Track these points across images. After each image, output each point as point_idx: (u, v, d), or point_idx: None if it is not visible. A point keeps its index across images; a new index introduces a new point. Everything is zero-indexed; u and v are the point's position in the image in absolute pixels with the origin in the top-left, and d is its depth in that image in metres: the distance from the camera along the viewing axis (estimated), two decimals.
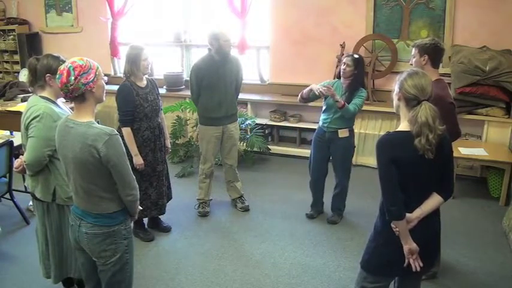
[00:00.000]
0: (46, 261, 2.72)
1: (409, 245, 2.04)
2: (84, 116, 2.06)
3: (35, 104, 2.48)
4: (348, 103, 3.58)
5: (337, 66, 3.66)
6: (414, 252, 2.04)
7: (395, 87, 2.09)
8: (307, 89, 3.66)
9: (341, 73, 3.66)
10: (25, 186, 4.41)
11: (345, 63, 3.61)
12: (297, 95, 3.85)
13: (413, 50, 2.87)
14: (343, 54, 4.91)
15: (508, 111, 4.65)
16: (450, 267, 3.28)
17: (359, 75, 3.63)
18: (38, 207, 2.63)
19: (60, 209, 2.58)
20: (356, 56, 3.67)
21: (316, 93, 3.58)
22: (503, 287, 3.09)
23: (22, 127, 2.53)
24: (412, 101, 2.00)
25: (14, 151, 3.81)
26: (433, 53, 2.80)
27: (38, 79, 2.51)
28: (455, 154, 4.01)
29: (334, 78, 3.73)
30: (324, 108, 3.76)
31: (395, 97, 2.11)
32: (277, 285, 3.13)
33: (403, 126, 2.04)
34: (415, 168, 2.00)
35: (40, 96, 2.52)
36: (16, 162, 2.61)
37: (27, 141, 2.47)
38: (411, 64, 2.88)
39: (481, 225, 3.93)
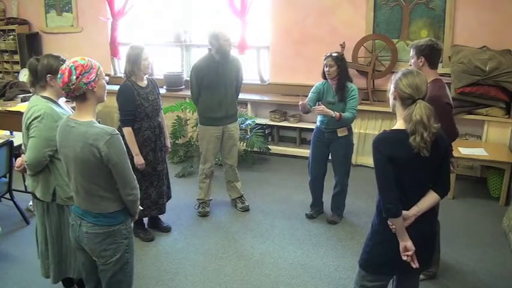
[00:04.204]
0: (45, 261, 2.72)
1: (404, 242, 2.04)
2: (85, 115, 2.07)
3: (36, 104, 2.49)
4: (341, 101, 3.62)
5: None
6: (409, 250, 2.05)
7: (391, 87, 2.11)
8: (302, 105, 3.65)
9: (326, 75, 3.65)
10: (25, 186, 4.41)
11: (326, 64, 3.60)
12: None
13: (411, 51, 2.87)
14: (343, 55, 4.91)
15: (508, 111, 4.65)
16: (450, 267, 3.28)
17: (343, 71, 3.63)
18: (37, 206, 2.63)
19: (59, 208, 2.58)
20: (335, 54, 3.65)
21: (312, 110, 3.65)
22: (503, 287, 3.10)
23: (23, 127, 2.53)
24: (407, 100, 2.03)
25: (14, 151, 3.82)
26: (430, 54, 2.78)
27: (39, 79, 2.52)
28: (455, 154, 4.06)
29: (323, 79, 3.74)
30: None
31: (390, 96, 2.13)
32: (277, 285, 3.13)
33: (399, 124, 2.07)
34: (411, 166, 2.01)
35: (41, 96, 2.53)
36: (17, 162, 2.62)
37: (28, 141, 2.47)
38: (410, 65, 2.88)
39: (481, 225, 3.93)
